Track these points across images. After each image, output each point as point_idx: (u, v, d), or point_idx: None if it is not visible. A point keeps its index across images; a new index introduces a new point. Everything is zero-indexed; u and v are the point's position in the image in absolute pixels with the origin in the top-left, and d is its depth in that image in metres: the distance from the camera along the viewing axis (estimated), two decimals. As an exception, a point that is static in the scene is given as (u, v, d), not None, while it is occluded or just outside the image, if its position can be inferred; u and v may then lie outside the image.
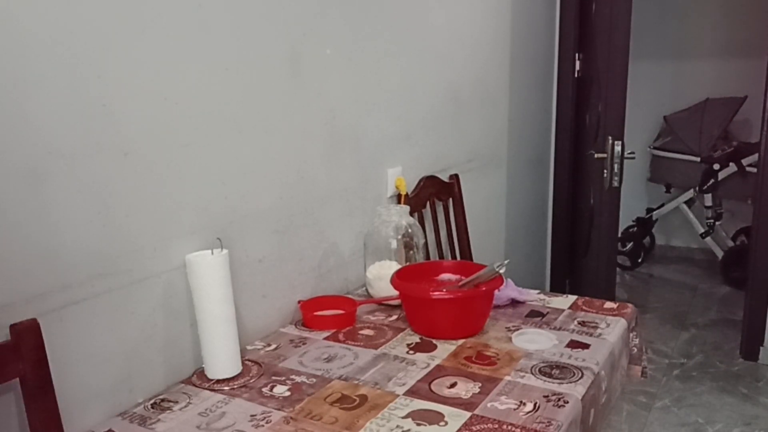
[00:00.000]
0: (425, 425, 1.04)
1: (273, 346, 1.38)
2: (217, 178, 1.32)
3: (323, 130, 1.61)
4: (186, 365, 1.28)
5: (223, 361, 1.23)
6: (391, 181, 1.90)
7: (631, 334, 1.49)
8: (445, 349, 1.32)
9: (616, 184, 2.63)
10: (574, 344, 1.33)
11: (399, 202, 1.89)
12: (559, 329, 1.41)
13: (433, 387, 1.16)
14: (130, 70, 1.12)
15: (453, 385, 1.17)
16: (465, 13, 2.25)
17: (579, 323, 1.44)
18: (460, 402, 1.11)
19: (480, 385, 1.16)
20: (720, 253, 4.04)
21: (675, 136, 4.04)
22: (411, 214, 1.73)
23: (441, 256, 2.15)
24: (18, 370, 0.97)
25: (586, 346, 1.32)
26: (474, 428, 1.02)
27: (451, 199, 2.23)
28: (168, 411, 1.13)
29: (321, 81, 1.58)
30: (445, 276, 1.54)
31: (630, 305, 1.55)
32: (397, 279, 1.44)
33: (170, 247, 1.23)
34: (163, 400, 1.17)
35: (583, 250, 3.01)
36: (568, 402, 1.10)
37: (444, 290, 1.41)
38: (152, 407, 1.15)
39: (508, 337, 1.37)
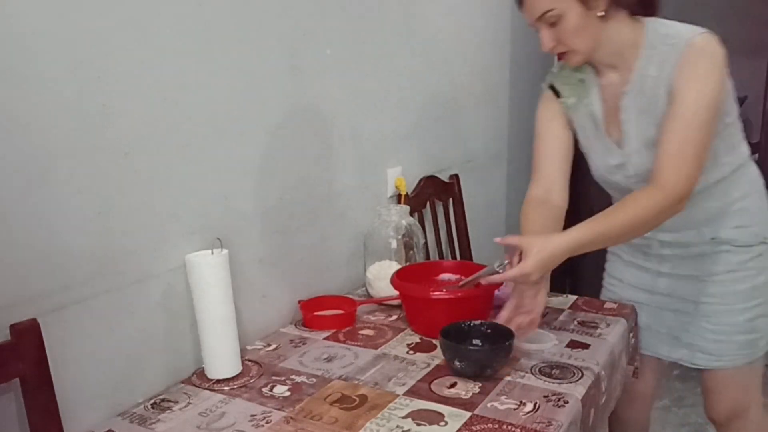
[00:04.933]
0: (425, 425, 1.04)
1: (273, 346, 1.38)
2: (217, 178, 1.32)
3: (323, 130, 1.61)
4: (186, 365, 1.28)
5: (223, 361, 1.23)
6: (391, 181, 1.90)
7: (629, 334, 1.49)
8: (445, 349, 1.32)
9: (616, 184, 2.62)
10: (574, 344, 1.33)
11: (399, 202, 1.89)
12: (559, 329, 1.41)
13: (433, 387, 1.16)
14: (130, 70, 1.12)
15: (453, 385, 1.17)
16: (465, 13, 2.24)
17: (579, 323, 1.44)
18: (460, 402, 1.11)
19: (480, 385, 1.16)
20: (720, 253, 4.02)
21: (675, 136, 4.04)
22: (411, 214, 1.73)
23: (441, 256, 2.15)
24: (18, 370, 0.97)
25: (586, 346, 1.32)
26: (474, 428, 1.02)
27: (451, 199, 2.23)
28: (168, 411, 1.13)
29: (321, 81, 1.58)
30: (445, 276, 1.54)
31: (630, 305, 1.55)
32: (397, 279, 1.44)
33: (170, 247, 1.23)
34: (163, 400, 1.17)
35: (583, 250, 3.00)
36: (568, 402, 1.10)
37: (444, 290, 1.41)
38: (152, 407, 1.15)
39: (508, 337, 1.36)
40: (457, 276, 1.50)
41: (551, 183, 1.45)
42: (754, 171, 1.48)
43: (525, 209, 1.46)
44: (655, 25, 1.32)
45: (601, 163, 1.46)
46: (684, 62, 1.24)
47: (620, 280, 1.63)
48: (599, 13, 1.26)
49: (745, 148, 1.46)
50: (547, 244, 1.22)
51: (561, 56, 1.34)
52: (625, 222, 1.25)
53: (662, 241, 1.49)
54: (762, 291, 1.46)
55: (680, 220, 1.31)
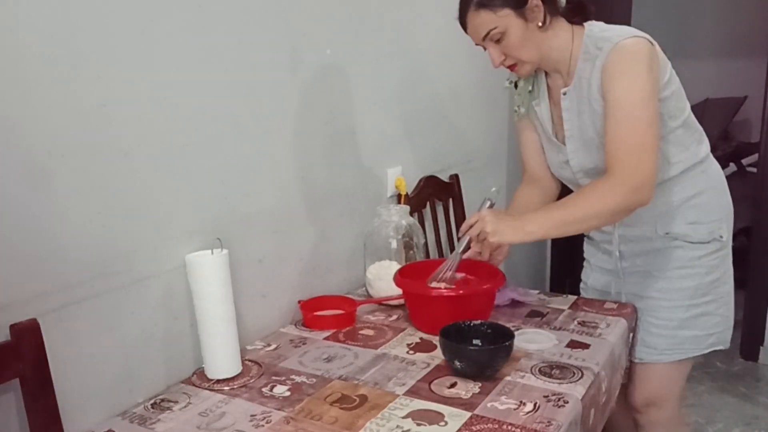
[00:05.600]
0: (425, 425, 1.04)
1: (273, 346, 1.38)
2: (217, 178, 1.32)
3: (323, 130, 1.61)
4: (186, 365, 1.28)
5: (223, 361, 1.23)
6: (391, 181, 1.90)
7: (629, 334, 1.49)
8: (445, 349, 1.32)
9: (616, 184, 2.62)
10: (574, 344, 1.33)
11: (399, 202, 1.89)
12: (559, 329, 1.41)
13: (433, 387, 1.16)
14: (129, 70, 1.12)
15: (453, 385, 1.17)
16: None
17: (579, 323, 1.44)
18: (460, 402, 1.11)
19: (480, 385, 1.16)
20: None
21: (675, 136, 4.04)
22: (411, 214, 1.73)
23: (441, 255, 2.15)
24: (18, 370, 0.97)
25: (586, 346, 1.32)
26: (474, 428, 1.02)
27: (451, 199, 2.23)
28: (168, 411, 1.13)
29: (321, 81, 1.58)
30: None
31: (630, 305, 1.55)
32: (400, 276, 1.44)
33: (170, 247, 1.23)
34: (163, 400, 1.17)
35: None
36: (568, 402, 1.10)
37: (440, 277, 1.41)
38: (152, 407, 1.15)
39: (508, 337, 1.36)
40: (462, 274, 1.49)
41: (537, 174, 1.62)
42: (713, 169, 1.52)
43: (516, 191, 1.66)
44: (594, 30, 1.38)
45: (553, 160, 1.56)
46: (609, 63, 1.30)
47: (586, 283, 1.71)
48: (539, 24, 1.34)
49: (702, 147, 1.50)
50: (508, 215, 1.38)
51: (511, 68, 1.42)
52: (585, 212, 1.31)
53: (620, 236, 1.55)
54: (709, 289, 1.49)
55: (636, 215, 1.36)
